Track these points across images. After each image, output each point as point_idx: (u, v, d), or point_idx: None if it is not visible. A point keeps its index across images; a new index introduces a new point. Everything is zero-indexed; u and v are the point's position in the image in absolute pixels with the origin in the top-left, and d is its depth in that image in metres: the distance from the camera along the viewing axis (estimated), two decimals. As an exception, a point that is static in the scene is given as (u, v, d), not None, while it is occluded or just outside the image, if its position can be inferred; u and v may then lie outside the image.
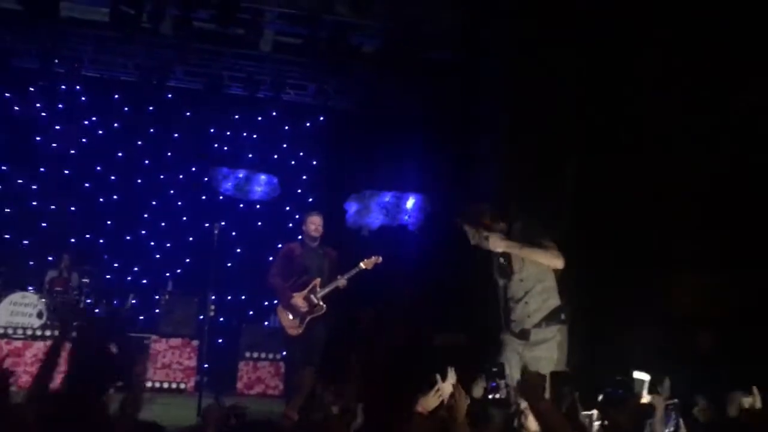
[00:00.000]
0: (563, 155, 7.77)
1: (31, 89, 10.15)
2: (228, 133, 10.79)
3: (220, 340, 9.68)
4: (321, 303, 6.64)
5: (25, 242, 9.87)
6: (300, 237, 7.01)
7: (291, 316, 6.64)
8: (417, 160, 9.68)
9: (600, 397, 4.07)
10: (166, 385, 8.68)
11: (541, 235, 4.86)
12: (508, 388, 3.67)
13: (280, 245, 10.35)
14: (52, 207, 10.07)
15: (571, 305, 5.04)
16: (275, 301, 9.94)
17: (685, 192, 6.88)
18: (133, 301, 9.53)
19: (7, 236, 9.85)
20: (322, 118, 10.92)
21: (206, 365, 8.63)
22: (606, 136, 7.31)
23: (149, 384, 8.65)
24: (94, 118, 10.40)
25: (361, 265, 6.75)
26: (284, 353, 8.99)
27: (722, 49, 6.18)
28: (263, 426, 3.22)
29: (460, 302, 8.39)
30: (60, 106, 10.28)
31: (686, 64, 6.53)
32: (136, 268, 10.23)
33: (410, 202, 10.18)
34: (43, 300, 8.49)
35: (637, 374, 4.03)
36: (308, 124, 10.99)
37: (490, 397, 3.59)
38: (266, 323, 10.01)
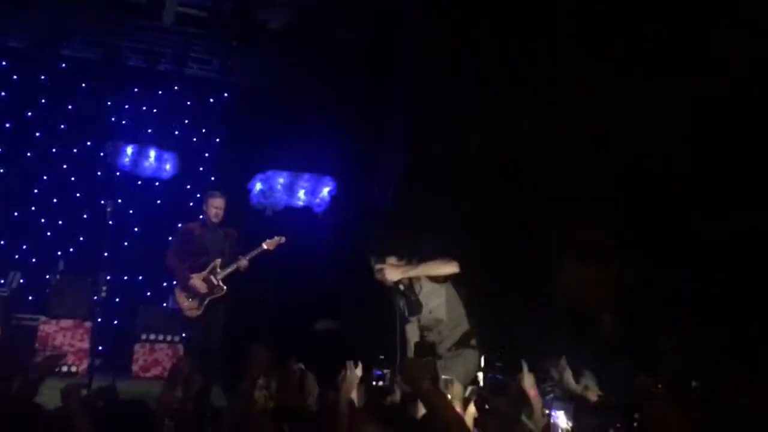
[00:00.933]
0: (468, 138, 7.90)
1: None
2: (126, 106, 10.34)
3: (115, 322, 9.36)
4: (221, 284, 6.53)
5: None
6: (201, 216, 6.82)
7: (189, 298, 6.52)
8: (324, 141, 9.61)
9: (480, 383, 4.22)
10: (56, 369, 8.28)
11: (443, 249, 4.95)
12: (391, 377, 3.74)
13: (180, 225, 10.18)
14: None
15: (479, 324, 5.20)
16: (174, 283, 9.76)
17: (581, 183, 7.15)
18: (21, 281, 9.04)
19: None
20: (226, 95, 10.66)
21: (100, 347, 8.34)
22: (510, 120, 7.48)
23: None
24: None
25: (264, 245, 6.68)
26: (183, 335, 8.87)
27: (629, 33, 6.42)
28: (135, 406, 3.10)
29: (359, 289, 8.45)
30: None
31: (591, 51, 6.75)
32: (24, 246, 9.69)
33: (316, 184, 10.10)
34: None
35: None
36: (211, 101, 10.70)
37: (374, 383, 3.65)
38: (165, 304, 9.73)
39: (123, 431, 2.49)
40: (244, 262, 6.57)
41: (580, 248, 7.26)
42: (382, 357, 3.92)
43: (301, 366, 3.96)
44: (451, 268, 4.87)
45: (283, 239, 6.74)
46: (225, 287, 6.53)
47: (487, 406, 3.50)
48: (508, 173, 7.60)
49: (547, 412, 3.53)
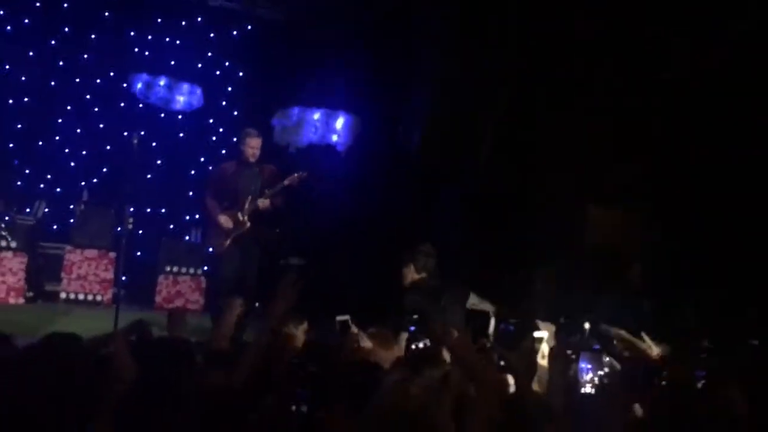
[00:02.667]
0: (495, 83, 7.77)
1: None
2: (149, 37, 10.21)
3: (138, 254, 9.45)
4: (245, 219, 6.60)
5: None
6: (238, 156, 6.85)
7: (218, 235, 6.70)
8: (349, 77, 9.46)
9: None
10: (81, 297, 8.46)
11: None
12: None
13: (202, 159, 10.21)
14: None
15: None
16: (196, 216, 9.88)
17: (606, 126, 7.05)
18: (46, 210, 9.13)
19: None
20: (249, 27, 10.48)
21: (124, 278, 8.46)
22: (537, 68, 7.34)
23: (63, 295, 8.45)
24: (1, 12, 9.64)
25: (285, 182, 6.68)
26: (205, 268, 9.01)
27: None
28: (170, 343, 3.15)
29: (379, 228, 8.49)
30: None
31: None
32: (48, 176, 9.75)
33: (340, 121, 10.00)
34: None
35: (538, 333, 4.15)
36: (235, 33, 10.53)
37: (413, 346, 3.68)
38: (186, 237, 9.83)
39: (159, 368, 2.52)
40: (264, 201, 6.59)
41: (604, 191, 7.21)
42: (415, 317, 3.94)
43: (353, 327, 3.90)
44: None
45: (305, 174, 6.74)
46: (248, 223, 6.60)
47: (502, 362, 3.48)
48: (530, 118, 7.50)
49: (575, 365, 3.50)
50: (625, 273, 6.21)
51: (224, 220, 6.62)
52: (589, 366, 3.46)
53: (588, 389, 3.39)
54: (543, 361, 4.01)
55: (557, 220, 7.19)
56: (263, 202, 6.60)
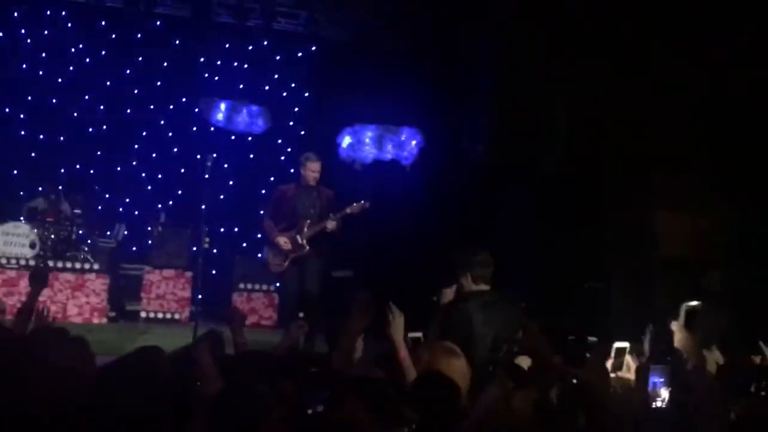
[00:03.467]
0: (555, 93, 7.72)
1: (15, 14, 9.88)
2: (218, 62, 10.58)
3: (213, 272, 9.73)
4: (304, 243, 6.73)
5: (15, 172, 9.76)
6: (298, 179, 7.02)
7: (275, 255, 6.87)
8: (411, 93, 9.55)
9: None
10: (160, 315, 8.78)
11: None
12: None
13: (272, 178, 10.48)
14: (41, 137, 9.93)
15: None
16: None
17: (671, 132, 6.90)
18: (125, 233, 9.53)
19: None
20: (314, 48, 10.72)
21: (200, 296, 8.74)
22: (598, 76, 7.26)
23: (143, 314, 8.77)
24: (80, 46, 10.14)
25: (347, 210, 6.76)
26: (277, 284, 9.23)
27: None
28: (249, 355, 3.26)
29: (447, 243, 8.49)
30: (45, 32, 10.02)
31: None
32: (127, 199, 10.18)
33: (404, 137, 10.08)
34: (35, 230, 8.47)
35: (618, 343, 3.94)
36: (300, 55, 10.79)
37: None
38: (259, 255, 10.07)
39: (239, 379, 2.63)
40: (331, 224, 6.68)
41: (676, 197, 7.04)
42: None
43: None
44: None
45: (367, 204, 6.77)
46: (308, 247, 6.72)
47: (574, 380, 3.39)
48: (595, 125, 7.41)
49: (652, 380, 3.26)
50: (703, 281, 6.04)
51: (283, 242, 6.77)
52: (661, 379, 3.25)
53: (660, 403, 3.18)
54: (629, 374, 3.84)
55: (628, 228, 7.07)
56: (332, 224, 6.67)
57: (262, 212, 7.32)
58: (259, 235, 10.25)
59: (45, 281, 3.76)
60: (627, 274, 6.71)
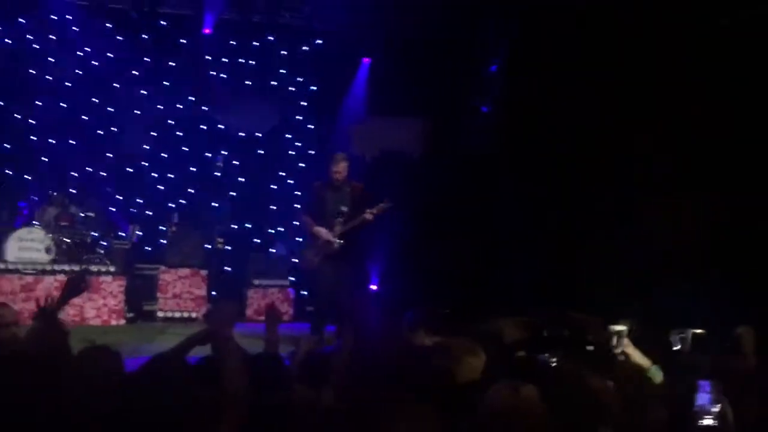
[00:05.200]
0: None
1: (21, 20, 9.91)
2: (224, 59, 10.58)
3: (227, 269, 9.77)
4: (335, 240, 7.02)
5: (27, 177, 9.81)
6: (327, 177, 7.25)
7: (310, 249, 7.25)
8: (416, 83, 9.49)
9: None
10: (177, 315, 8.82)
11: None
12: None
13: (282, 173, 10.50)
14: (52, 141, 9.97)
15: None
16: (280, 229, 10.20)
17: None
18: (139, 233, 9.57)
19: (8, 172, 9.79)
20: (319, 42, 10.69)
21: (215, 294, 8.79)
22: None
23: (160, 314, 8.81)
24: (87, 49, 10.15)
25: (367, 217, 6.97)
26: (291, 279, 9.29)
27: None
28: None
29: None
30: (52, 36, 10.04)
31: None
32: (139, 200, 10.21)
33: (411, 128, 10.05)
34: (50, 235, 8.51)
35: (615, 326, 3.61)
36: (305, 48, 10.76)
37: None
38: (272, 250, 10.12)
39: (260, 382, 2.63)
40: (369, 216, 6.92)
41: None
42: None
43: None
44: None
45: (390, 205, 7.01)
46: (340, 242, 7.02)
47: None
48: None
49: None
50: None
51: (323, 232, 7.04)
52: (710, 394, 2.81)
53: (708, 422, 2.80)
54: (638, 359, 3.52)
55: (639, 218, 6.99)
56: (369, 215, 6.94)
57: (299, 206, 7.85)
58: (271, 231, 10.34)
59: (80, 290, 3.76)
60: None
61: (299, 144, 10.66)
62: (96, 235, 9.08)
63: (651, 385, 3.27)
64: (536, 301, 6.67)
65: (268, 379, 2.87)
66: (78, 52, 10.11)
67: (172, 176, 10.32)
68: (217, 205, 8.02)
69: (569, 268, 7.22)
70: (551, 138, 7.61)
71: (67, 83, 10.03)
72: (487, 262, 8.07)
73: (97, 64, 10.16)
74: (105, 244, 9.05)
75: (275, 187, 10.55)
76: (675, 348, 3.77)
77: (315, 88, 10.77)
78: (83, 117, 10.10)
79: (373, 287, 9.30)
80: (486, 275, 7.96)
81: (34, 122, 9.96)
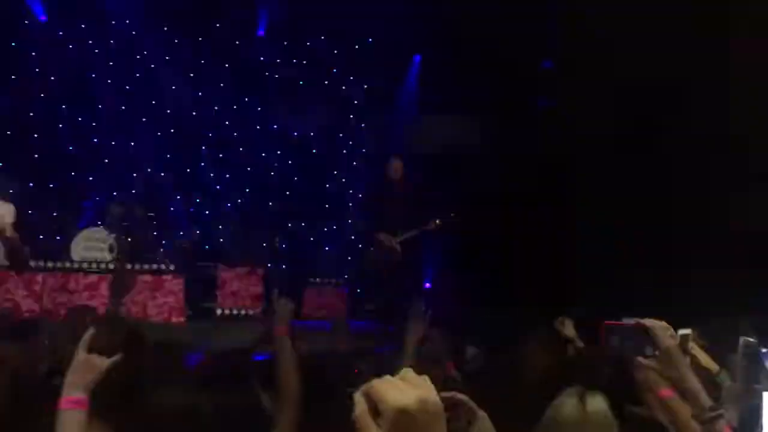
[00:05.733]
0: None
1: (83, 26, 10.22)
2: (278, 60, 10.73)
3: (284, 267, 9.90)
4: (397, 246, 7.42)
5: (90, 179, 10.11)
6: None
7: (373, 252, 7.62)
8: (470, 80, 9.44)
9: None
10: (235, 312, 8.97)
11: None
12: None
13: (335, 172, 10.60)
14: (113, 143, 10.26)
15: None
16: (334, 227, 10.32)
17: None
18: (198, 232, 9.78)
19: (72, 173, 10.13)
20: (369, 40, 10.73)
21: (272, 291, 8.91)
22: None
23: (219, 312, 8.99)
24: (146, 53, 10.43)
25: (430, 227, 7.36)
26: (346, 276, 9.39)
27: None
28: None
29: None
30: (112, 42, 10.33)
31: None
32: (198, 200, 10.43)
33: (466, 125, 9.99)
34: (113, 235, 8.76)
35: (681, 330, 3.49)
36: (357, 47, 10.82)
37: None
38: (327, 248, 10.22)
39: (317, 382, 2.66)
40: (433, 224, 7.29)
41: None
42: None
43: None
44: None
45: (456, 219, 7.47)
46: (400, 249, 7.40)
47: None
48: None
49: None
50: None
51: (386, 239, 7.39)
52: None
53: None
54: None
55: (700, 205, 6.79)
56: (432, 225, 7.31)
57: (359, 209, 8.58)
58: (325, 229, 10.45)
59: (127, 289, 3.86)
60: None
61: (352, 143, 10.75)
62: (157, 234, 9.31)
63: (718, 389, 3.19)
64: (597, 301, 6.55)
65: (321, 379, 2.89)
66: (137, 56, 10.40)
67: (229, 176, 10.52)
68: (272, 204, 8.15)
69: (636, 269, 7.04)
70: (612, 134, 7.46)
71: (127, 86, 10.32)
72: (546, 261, 7.97)
73: (155, 67, 10.42)
74: (165, 243, 9.27)
75: (328, 186, 10.66)
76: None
77: (367, 86, 10.84)
78: (143, 119, 10.38)
79: (427, 285, 9.32)
80: (544, 274, 7.87)
81: (97, 125, 10.27)
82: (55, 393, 2.31)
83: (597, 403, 2.21)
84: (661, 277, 6.67)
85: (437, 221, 7.26)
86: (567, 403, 2.22)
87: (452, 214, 7.37)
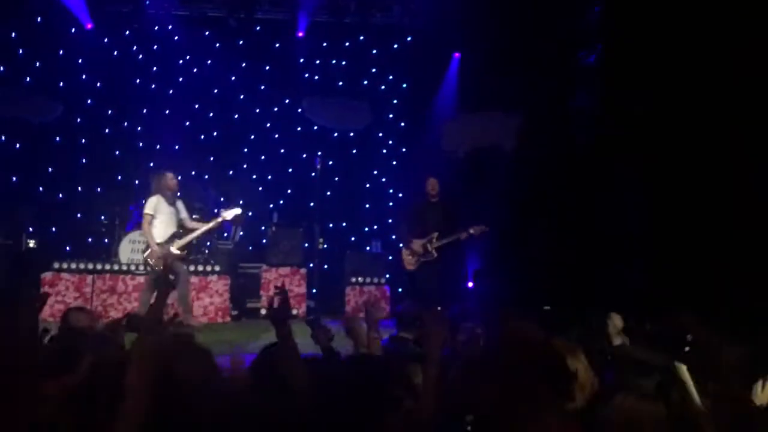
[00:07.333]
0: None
1: (127, 33, 10.43)
2: (317, 61, 10.81)
3: (326, 267, 9.97)
4: (433, 251, 7.91)
5: (136, 182, 10.31)
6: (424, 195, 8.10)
7: (409, 255, 8.04)
8: (511, 78, 9.39)
9: None
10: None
11: None
12: None
13: (375, 171, 10.65)
14: (158, 147, 10.44)
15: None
16: (375, 227, 10.38)
17: None
18: (241, 233, 9.90)
19: (119, 177, 10.35)
20: (409, 39, 10.74)
21: (315, 291, 8.99)
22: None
23: (263, 311, 9.08)
24: (187, 57, 10.60)
25: (471, 231, 7.71)
26: (387, 276, 9.42)
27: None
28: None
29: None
30: (155, 47, 10.53)
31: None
32: (240, 201, 10.54)
33: (505, 124, 9.94)
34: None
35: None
36: (396, 47, 10.84)
37: None
38: (368, 248, 10.26)
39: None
40: (465, 234, 7.74)
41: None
42: None
43: None
44: None
45: (487, 229, 7.78)
46: (436, 254, 7.89)
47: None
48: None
49: None
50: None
51: (416, 247, 7.95)
52: None
53: None
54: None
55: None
56: (465, 234, 7.78)
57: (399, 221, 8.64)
58: (366, 229, 10.51)
59: (169, 285, 3.92)
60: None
61: (391, 142, 10.78)
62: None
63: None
64: (636, 298, 6.46)
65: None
66: (179, 61, 10.58)
67: (271, 177, 10.64)
68: (314, 204, 8.21)
69: (672, 267, 6.91)
70: (652, 130, 7.33)
71: (170, 91, 10.51)
72: (584, 258, 7.90)
73: (196, 71, 10.60)
74: (209, 244, 9.41)
75: (368, 185, 10.71)
76: None
77: (406, 85, 10.85)
78: (186, 123, 10.55)
79: (470, 284, 9.33)
80: (584, 271, 7.79)
81: (140, 129, 10.48)
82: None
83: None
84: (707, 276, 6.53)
85: (471, 231, 7.74)
86: None
87: (484, 227, 7.74)
